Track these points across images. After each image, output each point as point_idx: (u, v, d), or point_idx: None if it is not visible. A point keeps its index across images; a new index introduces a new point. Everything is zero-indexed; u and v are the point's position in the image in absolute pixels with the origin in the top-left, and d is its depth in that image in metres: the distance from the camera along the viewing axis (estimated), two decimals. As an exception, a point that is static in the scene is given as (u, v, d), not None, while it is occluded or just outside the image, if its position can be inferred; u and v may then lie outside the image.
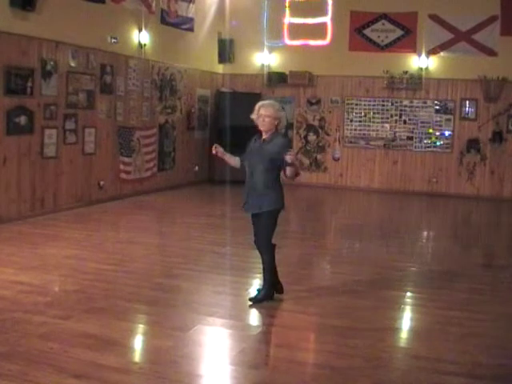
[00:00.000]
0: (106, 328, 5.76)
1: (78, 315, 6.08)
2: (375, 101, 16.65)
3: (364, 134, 16.83)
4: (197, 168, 16.59)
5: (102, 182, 12.73)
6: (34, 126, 10.80)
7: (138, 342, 5.85)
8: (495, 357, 5.41)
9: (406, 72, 16.15)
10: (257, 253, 6.75)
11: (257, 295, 6.70)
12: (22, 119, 10.55)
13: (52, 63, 11.14)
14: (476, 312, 6.64)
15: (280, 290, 6.92)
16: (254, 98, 16.83)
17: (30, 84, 10.64)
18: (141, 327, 6.13)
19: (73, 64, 11.69)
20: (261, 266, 6.80)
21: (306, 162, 17.29)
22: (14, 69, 10.29)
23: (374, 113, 16.72)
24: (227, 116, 15.84)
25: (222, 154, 6.75)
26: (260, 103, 6.66)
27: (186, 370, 5.02)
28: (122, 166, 13.44)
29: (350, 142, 16.95)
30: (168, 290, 7.09)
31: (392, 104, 16.53)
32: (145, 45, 13.96)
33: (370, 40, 16.39)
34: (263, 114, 6.50)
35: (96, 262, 8.18)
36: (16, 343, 5.27)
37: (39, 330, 5.62)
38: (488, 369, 5.15)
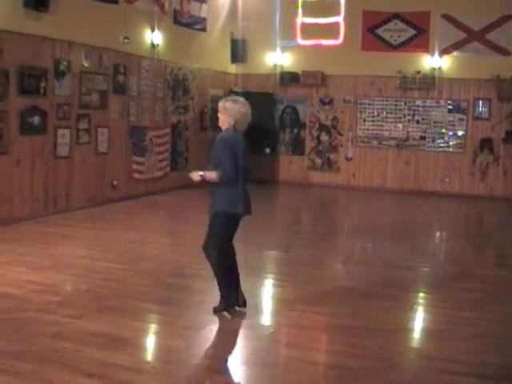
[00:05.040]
0: (117, 327, 5.78)
1: (90, 314, 6.11)
2: (388, 100, 16.61)
3: (377, 134, 16.79)
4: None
5: (115, 182, 12.77)
6: (47, 125, 10.85)
7: (149, 342, 5.87)
8: (505, 357, 5.39)
9: (419, 72, 16.10)
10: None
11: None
12: (36, 119, 10.60)
13: (65, 63, 11.19)
14: (487, 312, 6.61)
15: (242, 304, 6.37)
16: (266, 98, 16.95)
17: (43, 84, 10.69)
18: (153, 327, 6.15)
19: (86, 64, 11.74)
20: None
21: (319, 161, 17.28)
22: (28, 69, 10.34)
23: (386, 112, 16.68)
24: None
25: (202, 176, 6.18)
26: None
27: (198, 370, 5.05)
28: (134, 166, 13.47)
29: (363, 142, 16.92)
30: (180, 290, 7.10)
31: (405, 104, 16.48)
32: (157, 45, 14.00)
33: (383, 40, 16.36)
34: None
35: (108, 261, 8.20)
36: (28, 342, 5.30)
37: (51, 329, 5.65)
38: (498, 369, 5.13)
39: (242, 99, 6.20)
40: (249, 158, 6.24)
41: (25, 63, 10.29)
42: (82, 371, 4.77)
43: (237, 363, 5.27)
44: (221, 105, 6.13)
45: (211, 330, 5.89)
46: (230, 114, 6.04)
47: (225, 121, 6.10)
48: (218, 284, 6.21)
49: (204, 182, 6.13)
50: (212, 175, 6.05)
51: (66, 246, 9.00)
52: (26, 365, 4.85)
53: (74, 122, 11.52)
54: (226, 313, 6.14)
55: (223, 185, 6.06)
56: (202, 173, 6.14)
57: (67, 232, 10.01)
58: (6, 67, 9.92)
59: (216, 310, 6.19)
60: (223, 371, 5.09)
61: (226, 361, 5.30)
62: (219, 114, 6.14)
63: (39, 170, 10.80)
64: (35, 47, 10.51)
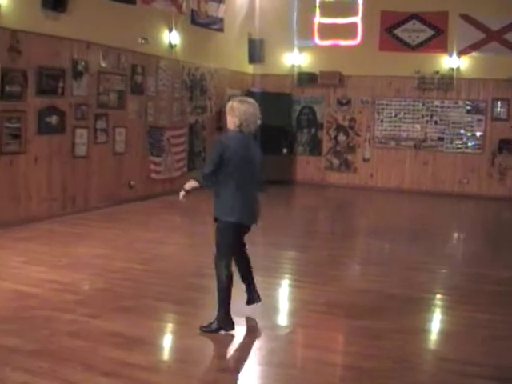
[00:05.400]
0: (134, 327, 5.80)
1: (107, 314, 6.13)
2: (406, 101, 16.54)
3: (394, 135, 16.72)
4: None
5: (132, 182, 12.80)
6: (65, 125, 10.90)
7: (166, 341, 5.88)
8: (525, 360, 5.36)
9: (437, 72, 16.03)
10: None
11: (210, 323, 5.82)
12: (54, 119, 10.65)
13: (83, 64, 11.23)
14: (504, 314, 6.56)
15: (253, 300, 6.32)
16: (283, 99, 16.92)
17: (61, 84, 10.73)
18: (170, 326, 6.17)
19: (104, 64, 11.78)
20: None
21: (336, 162, 17.23)
22: (46, 69, 10.38)
23: (404, 113, 16.61)
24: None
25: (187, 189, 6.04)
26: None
27: (215, 370, 5.05)
28: (152, 166, 13.50)
29: (381, 143, 16.86)
30: (197, 290, 7.09)
31: (423, 104, 16.40)
32: (175, 45, 14.02)
33: (401, 40, 16.29)
34: None
35: (125, 261, 8.23)
36: (46, 340, 5.33)
37: (69, 327, 5.67)
38: (517, 372, 5.11)
39: (250, 100, 5.96)
40: (258, 163, 6.01)
41: (43, 63, 10.33)
42: (99, 370, 4.79)
43: (253, 363, 5.26)
44: (228, 105, 5.91)
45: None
46: (236, 114, 5.76)
47: (231, 121, 5.81)
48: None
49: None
50: (191, 183, 5.93)
51: (83, 245, 9.03)
52: (43, 363, 4.87)
53: (91, 121, 11.56)
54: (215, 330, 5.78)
55: (217, 192, 5.91)
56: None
57: (85, 231, 10.05)
58: (24, 67, 9.97)
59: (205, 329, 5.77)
60: (240, 371, 5.09)
61: (243, 361, 5.30)
62: (227, 115, 5.90)
63: (57, 170, 10.84)
64: (53, 48, 10.56)
